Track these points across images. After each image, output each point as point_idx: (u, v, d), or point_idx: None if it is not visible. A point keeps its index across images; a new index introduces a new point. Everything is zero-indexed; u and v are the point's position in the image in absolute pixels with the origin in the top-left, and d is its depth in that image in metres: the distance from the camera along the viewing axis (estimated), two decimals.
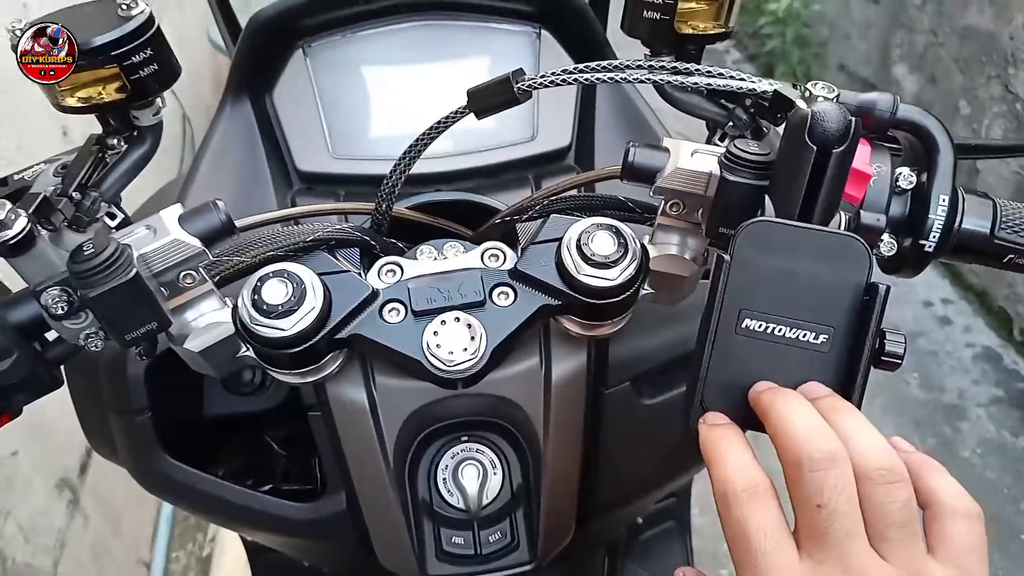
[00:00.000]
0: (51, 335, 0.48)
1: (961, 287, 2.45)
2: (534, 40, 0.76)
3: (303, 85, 0.73)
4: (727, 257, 0.39)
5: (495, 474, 0.60)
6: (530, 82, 0.50)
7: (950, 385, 2.13)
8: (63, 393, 0.54)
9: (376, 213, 0.57)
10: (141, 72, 0.48)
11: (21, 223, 0.43)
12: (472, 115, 0.52)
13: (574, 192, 0.57)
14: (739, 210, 0.44)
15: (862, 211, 0.47)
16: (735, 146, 0.44)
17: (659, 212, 0.50)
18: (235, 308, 0.48)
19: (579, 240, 0.48)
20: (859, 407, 0.38)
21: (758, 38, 3.79)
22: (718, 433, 0.39)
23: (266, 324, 0.46)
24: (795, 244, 0.39)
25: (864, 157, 0.47)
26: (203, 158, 0.71)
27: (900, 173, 0.48)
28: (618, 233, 0.49)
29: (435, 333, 0.49)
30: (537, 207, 0.57)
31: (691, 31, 0.53)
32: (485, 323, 0.49)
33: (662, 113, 0.71)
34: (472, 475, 0.59)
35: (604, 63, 0.51)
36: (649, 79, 0.51)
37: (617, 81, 0.51)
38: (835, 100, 0.45)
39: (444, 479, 0.60)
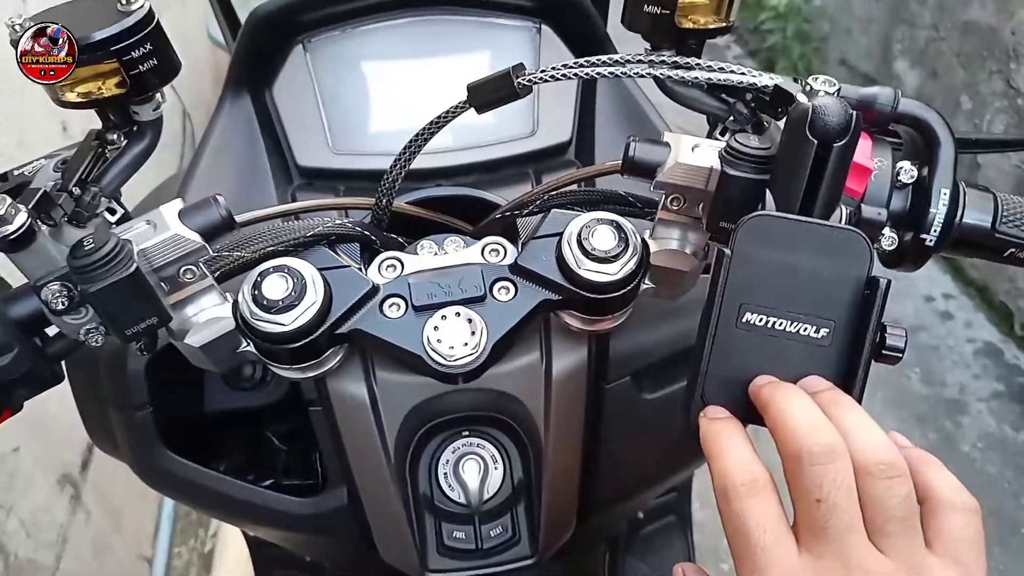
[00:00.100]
0: (52, 330, 0.48)
1: (962, 282, 2.45)
2: (534, 35, 0.76)
3: (303, 80, 0.73)
4: (728, 251, 0.39)
5: (496, 469, 0.60)
6: (530, 77, 0.50)
7: (951, 380, 2.13)
8: (64, 388, 0.54)
9: (376, 208, 0.57)
10: (141, 67, 0.48)
11: (21, 218, 0.43)
12: (472, 110, 0.52)
13: (574, 187, 0.57)
14: (740, 204, 0.44)
15: (863, 205, 0.47)
16: (736, 140, 0.44)
17: (660, 207, 0.50)
18: (235, 303, 0.48)
19: (580, 235, 0.48)
20: (860, 401, 0.38)
21: (759, 33, 3.79)
22: (718, 427, 0.39)
23: (266, 319, 0.46)
24: (796, 238, 0.39)
25: (865, 151, 0.47)
26: (203, 153, 0.71)
27: (901, 167, 0.48)
28: (619, 228, 0.49)
29: (436, 328, 0.49)
30: (537, 202, 0.57)
31: (692, 26, 0.53)
32: (486, 318, 0.49)
33: (662, 108, 0.71)
34: (473, 470, 0.59)
35: (604, 58, 0.50)
36: (650, 74, 0.51)
37: (618, 76, 0.50)
38: (836, 94, 0.45)
39: (445, 474, 0.60)
